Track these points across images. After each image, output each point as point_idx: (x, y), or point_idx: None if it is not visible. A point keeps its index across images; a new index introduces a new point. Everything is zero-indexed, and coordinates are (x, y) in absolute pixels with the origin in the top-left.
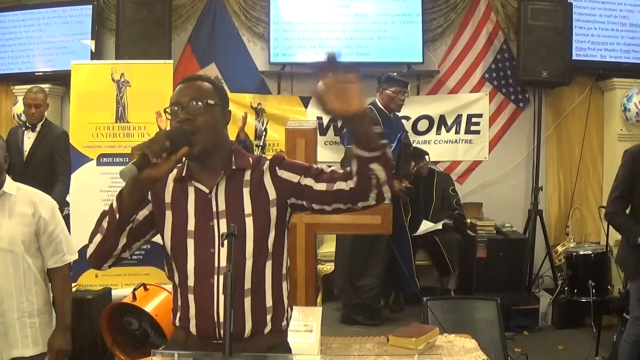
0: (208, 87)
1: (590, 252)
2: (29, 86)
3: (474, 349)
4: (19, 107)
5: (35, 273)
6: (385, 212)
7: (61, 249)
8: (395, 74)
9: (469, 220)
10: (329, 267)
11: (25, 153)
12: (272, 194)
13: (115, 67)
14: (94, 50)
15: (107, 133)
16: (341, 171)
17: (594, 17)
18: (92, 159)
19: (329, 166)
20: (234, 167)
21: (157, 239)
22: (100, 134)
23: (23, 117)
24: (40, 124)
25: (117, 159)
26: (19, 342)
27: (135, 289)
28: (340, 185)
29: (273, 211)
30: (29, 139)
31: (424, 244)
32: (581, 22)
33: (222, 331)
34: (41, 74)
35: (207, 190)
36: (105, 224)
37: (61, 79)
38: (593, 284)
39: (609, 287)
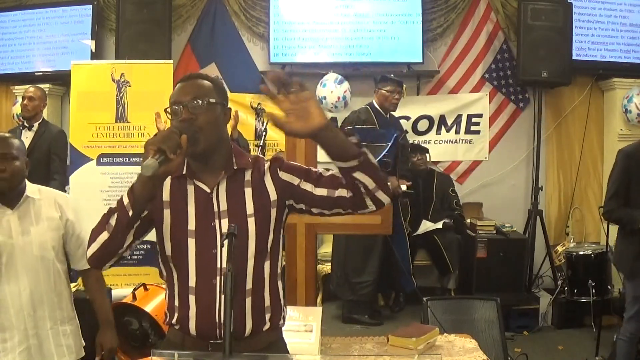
0: (208, 85)
1: (590, 252)
2: (29, 86)
3: (474, 349)
4: (19, 107)
5: (64, 278)
6: (385, 212)
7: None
8: (392, 75)
9: (468, 220)
10: (329, 267)
11: None
12: (273, 195)
13: (115, 67)
14: (94, 50)
15: (107, 133)
16: (339, 177)
17: (594, 17)
18: (92, 159)
19: (327, 170)
20: (235, 167)
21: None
22: (100, 134)
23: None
24: (38, 123)
25: (117, 159)
26: (54, 353)
27: (135, 289)
28: (342, 192)
29: (273, 212)
30: (26, 139)
31: (423, 244)
32: (581, 22)
33: (222, 331)
34: (41, 74)
35: (208, 190)
36: (113, 221)
37: (61, 79)
38: (593, 284)
39: (609, 287)
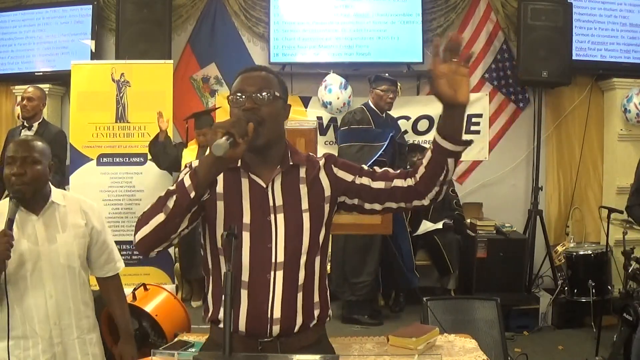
0: (273, 79)
1: (590, 252)
2: (29, 86)
3: (474, 349)
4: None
5: (88, 286)
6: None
7: (113, 257)
8: (387, 74)
9: (468, 220)
10: (328, 267)
11: None
12: (327, 191)
13: (115, 67)
14: (94, 50)
15: (107, 133)
16: (396, 171)
17: (594, 17)
18: (92, 159)
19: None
20: (291, 163)
21: None
22: (100, 134)
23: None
24: (37, 123)
25: (117, 159)
26: None
27: (135, 289)
28: (397, 182)
29: (326, 207)
30: None
31: (423, 244)
32: (581, 22)
33: (273, 328)
34: (41, 74)
35: (264, 184)
36: (171, 203)
37: (61, 79)
38: (593, 284)
39: (609, 287)
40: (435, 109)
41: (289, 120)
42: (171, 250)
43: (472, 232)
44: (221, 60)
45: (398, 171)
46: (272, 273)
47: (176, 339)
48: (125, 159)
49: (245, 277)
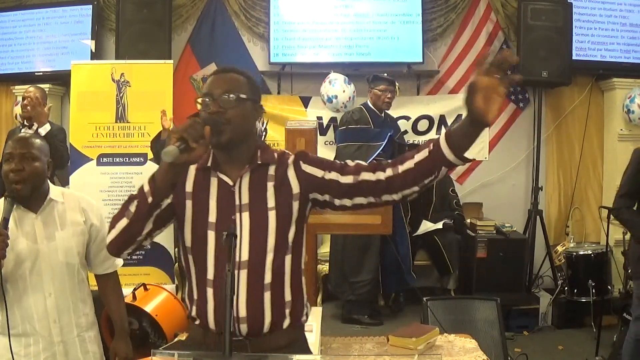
0: (242, 80)
1: (590, 252)
2: (29, 86)
3: (474, 349)
4: (19, 108)
5: (87, 284)
6: (386, 212)
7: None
8: (386, 74)
9: (468, 220)
10: (327, 267)
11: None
12: (295, 188)
13: (115, 67)
14: (94, 50)
15: (107, 133)
16: (364, 163)
17: (594, 17)
18: (92, 159)
19: (352, 161)
20: (259, 162)
21: (157, 238)
22: (100, 134)
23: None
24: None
25: (117, 159)
26: (81, 359)
27: (135, 289)
28: (365, 175)
29: (295, 205)
30: None
31: (423, 244)
32: (581, 22)
33: (241, 327)
34: (41, 74)
35: (231, 183)
36: (133, 207)
37: (61, 79)
38: (593, 284)
39: (609, 287)
40: (435, 108)
41: (289, 121)
42: (171, 250)
43: (472, 232)
44: (221, 60)
45: (367, 164)
46: (236, 272)
47: (176, 339)
48: (125, 159)
49: (210, 275)
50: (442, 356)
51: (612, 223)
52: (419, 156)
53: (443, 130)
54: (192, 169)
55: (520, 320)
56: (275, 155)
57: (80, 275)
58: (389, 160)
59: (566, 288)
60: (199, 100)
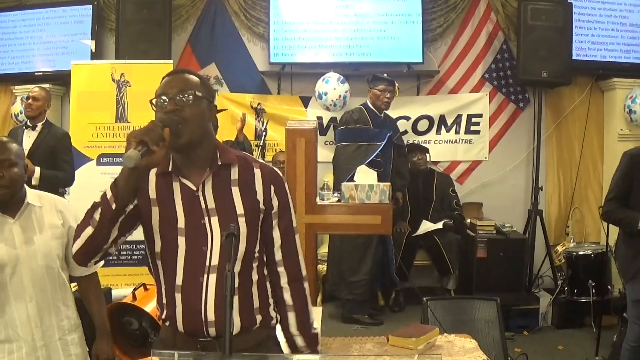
0: (195, 79)
1: (590, 252)
2: (29, 86)
3: (474, 349)
4: (17, 107)
5: (69, 286)
6: (386, 212)
7: None
8: (385, 74)
9: (468, 220)
10: (325, 267)
11: (25, 152)
12: (261, 202)
13: (115, 67)
14: (94, 50)
15: (107, 133)
16: (284, 267)
17: (594, 17)
18: (92, 159)
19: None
20: (220, 163)
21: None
22: (100, 134)
23: (20, 117)
24: (41, 123)
25: (117, 159)
26: None
27: (135, 289)
28: (274, 274)
29: (261, 215)
30: (29, 138)
31: (423, 244)
32: (581, 22)
33: (209, 329)
34: (41, 74)
35: (194, 187)
36: (97, 215)
37: (61, 79)
38: (593, 284)
39: (609, 287)
40: (435, 109)
41: (289, 121)
42: None
43: (472, 232)
44: (221, 60)
45: (286, 271)
46: (205, 276)
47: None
48: None
49: (179, 281)
50: (442, 356)
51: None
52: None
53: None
54: (152, 175)
55: (520, 320)
56: (236, 156)
57: (61, 278)
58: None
59: (566, 288)
60: (154, 101)
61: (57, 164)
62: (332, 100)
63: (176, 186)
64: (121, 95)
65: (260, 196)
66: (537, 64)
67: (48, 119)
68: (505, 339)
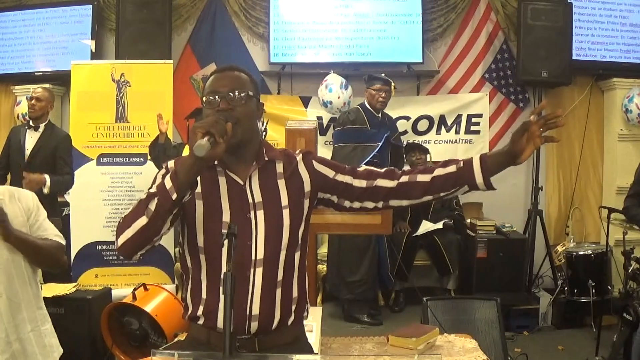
0: (246, 78)
1: (590, 252)
2: (28, 86)
3: (474, 349)
4: (23, 107)
5: (36, 276)
6: (386, 212)
7: (50, 234)
8: (383, 74)
9: (468, 220)
10: (325, 267)
11: (27, 152)
12: (307, 185)
13: (115, 67)
14: (94, 50)
15: (107, 133)
16: (377, 169)
17: (594, 17)
18: (92, 159)
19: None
20: (266, 159)
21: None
22: (100, 134)
23: (27, 117)
24: (44, 124)
25: (117, 159)
26: (38, 353)
27: (135, 289)
28: (381, 182)
29: (306, 203)
30: (31, 138)
31: (424, 244)
32: (581, 22)
33: (252, 325)
34: (41, 74)
35: (241, 182)
36: (153, 206)
37: (61, 79)
38: (593, 284)
39: (609, 287)
40: (435, 109)
41: (289, 121)
42: (171, 250)
43: (472, 232)
44: (221, 60)
45: (382, 170)
46: (252, 270)
47: (176, 339)
48: (125, 159)
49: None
50: (442, 356)
51: (612, 223)
52: (441, 171)
53: (475, 155)
54: None
55: (520, 320)
56: (280, 152)
57: (28, 269)
58: (405, 169)
59: (566, 288)
60: (204, 98)
61: (57, 165)
62: (337, 108)
63: (222, 180)
64: (121, 95)
65: (307, 179)
66: (537, 63)
67: (50, 120)
68: (505, 339)
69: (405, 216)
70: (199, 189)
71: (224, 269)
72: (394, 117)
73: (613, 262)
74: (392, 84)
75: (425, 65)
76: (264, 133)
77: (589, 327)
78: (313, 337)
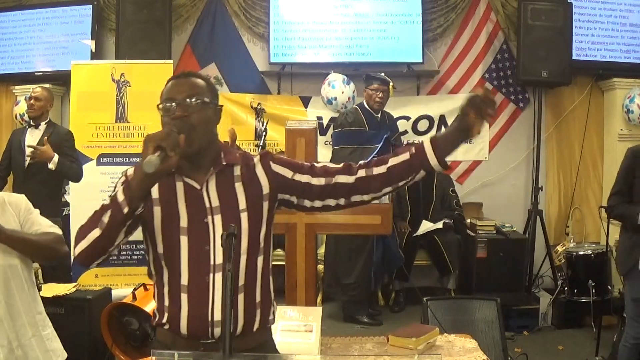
0: (202, 84)
1: (590, 252)
2: (29, 86)
3: (474, 349)
4: (22, 107)
5: (34, 280)
6: (386, 212)
7: (45, 227)
8: (382, 74)
9: (468, 220)
10: (321, 268)
11: (28, 150)
12: (265, 188)
13: (115, 67)
14: (94, 50)
15: (107, 133)
16: (334, 165)
17: (594, 17)
18: (92, 159)
19: (318, 162)
20: (224, 163)
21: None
22: (100, 134)
23: (26, 117)
24: (45, 122)
25: (117, 159)
26: (41, 359)
27: (135, 289)
28: (341, 179)
29: (265, 205)
30: (32, 137)
31: (424, 244)
32: (581, 22)
33: (215, 330)
34: (41, 74)
35: (198, 186)
36: (106, 218)
37: (61, 79)
38: (593, 284)
39: (609, 287)
40: (435, 109)
41: (289, 121)
42: None
43: (472, 232)
44: (221, 60)
45: (340, 166)
46: (211, 275)
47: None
48: (125, 159)
49: (184, 280)
50: (442, 356)
51: (612, 223)
52: (395, 160)
53: (425, 139)
54: None
55: (520, 320)
56: (238, 155)
57: (25, 274)
58: (361, 162)
59: (566, 288)
60: (160, 105)
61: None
62: (342, 104)
63: (179, 186)
64: (121, 95)
65: (265, 181)
66: (537, 64)
67: (50, 119)
68: (505, 339)
69: (405, 216)
70: (156, 195)
71: (184, 275)
72: (393, 117)
73: (613, 262)
74: (391, 83)
75: (425, 65)
76: (264, 133)
77: (589, 327)
78: (313, 337)
